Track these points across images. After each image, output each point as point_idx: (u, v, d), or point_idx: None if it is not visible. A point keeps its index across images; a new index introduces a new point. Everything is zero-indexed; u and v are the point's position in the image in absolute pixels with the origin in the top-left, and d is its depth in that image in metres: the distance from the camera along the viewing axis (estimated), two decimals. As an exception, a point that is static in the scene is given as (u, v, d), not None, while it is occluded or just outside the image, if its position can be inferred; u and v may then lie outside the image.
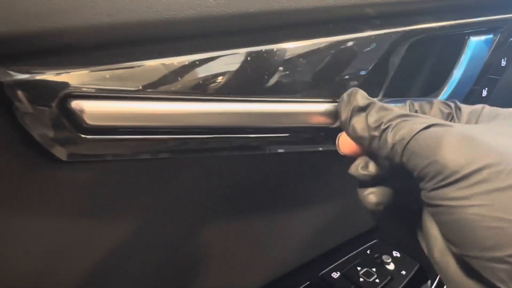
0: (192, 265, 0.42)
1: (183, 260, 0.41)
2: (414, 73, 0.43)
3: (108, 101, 0.25)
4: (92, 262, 0.34)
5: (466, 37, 0.42)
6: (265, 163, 0.41)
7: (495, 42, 0.44)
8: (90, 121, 0.25)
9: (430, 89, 0.43)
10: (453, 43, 0.42)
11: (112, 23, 0.24)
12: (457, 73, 0.42)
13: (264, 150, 0.37)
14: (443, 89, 0.42)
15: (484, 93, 0.48)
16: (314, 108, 0.35)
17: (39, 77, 0.23)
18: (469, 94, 0.45)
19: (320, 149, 0.41)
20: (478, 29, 0.42)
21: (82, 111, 0.24)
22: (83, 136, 0.25)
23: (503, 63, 0.47)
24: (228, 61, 0.29)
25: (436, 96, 0.42)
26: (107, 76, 0.25)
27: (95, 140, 0.26)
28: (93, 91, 0.25)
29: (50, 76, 0.23)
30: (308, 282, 0.48)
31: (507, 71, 0.48)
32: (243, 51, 0.29)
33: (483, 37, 0.43)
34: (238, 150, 0.35)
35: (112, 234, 0.34)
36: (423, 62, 0.43)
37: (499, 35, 0.44)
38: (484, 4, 0.43)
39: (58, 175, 0.28)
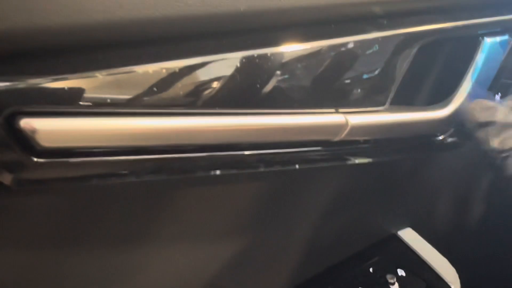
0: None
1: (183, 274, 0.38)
2: (424, 78, 0.41)
3: (66, 119, 0.21)
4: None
5: (480, 38, 0.40)
6: (255, 182, 0.38)
7: (511, 44, 0.42)
8: (44, 143, 0.20)
9: (441, 96, 0.40)
10: (466, 45, 0.40)
11: (72, 23, 0.19)
12: (470, 78, 0.40)
13: (257, 168, 0.34)
14: (455, 95, 0.39)
15: (497, 98, 0.44)
16: (313, 121, 0.31)
17: None
18: (481, 100, 0.42)
19: (325, 165, 0.38)
20: (493, 30, 0.40)
21: (33, 131, 0.20)
22: (35, 160, 0.21)
23: (519, 66, 0.44)
24: (216, 67, 0.25)
25: (448, 103, 0.39)
26: (66, 88, 0.20)
27: (51, 164, 0.22)
28: (48, 106, 0.20)
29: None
30: (306, 305, 0.45)
31: (522, 75, 0.45)
32: (233, 56, 0.25)
33: (498, 38, 0.41)
34: (231, 168, 0.32)
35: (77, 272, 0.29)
36: (433, 66, 0.40)
37: (515, 36, 0.42)
38: (499, 2, 0.41)
39: (6, 204, 0.24)
